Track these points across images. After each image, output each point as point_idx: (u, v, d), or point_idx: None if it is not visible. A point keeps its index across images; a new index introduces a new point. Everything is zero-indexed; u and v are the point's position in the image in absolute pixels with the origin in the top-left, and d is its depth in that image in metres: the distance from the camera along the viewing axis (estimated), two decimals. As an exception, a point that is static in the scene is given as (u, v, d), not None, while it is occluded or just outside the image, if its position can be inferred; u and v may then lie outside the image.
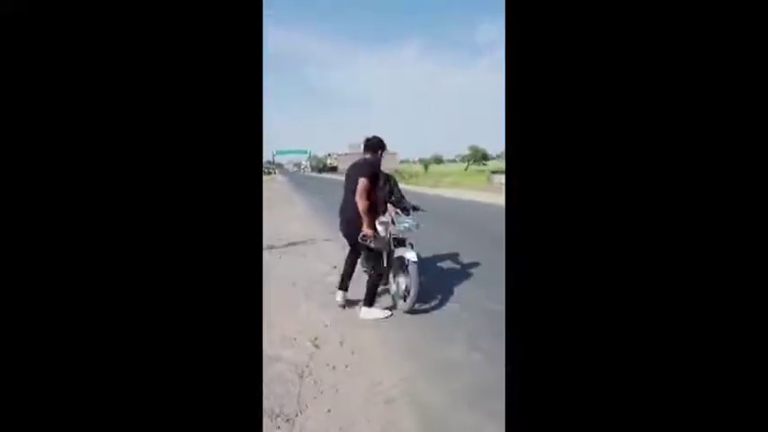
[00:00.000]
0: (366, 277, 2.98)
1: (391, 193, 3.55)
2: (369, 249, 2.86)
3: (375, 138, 2.93)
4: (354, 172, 2.77)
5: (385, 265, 2.95)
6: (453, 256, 4.53)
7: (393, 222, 3.03)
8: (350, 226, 2.80)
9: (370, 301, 2.87)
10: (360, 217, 2.66)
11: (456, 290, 3.38)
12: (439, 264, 4.30)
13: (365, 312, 2.85)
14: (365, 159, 2.87)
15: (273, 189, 20.04)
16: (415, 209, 3.21)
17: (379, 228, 3.33)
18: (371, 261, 3.34)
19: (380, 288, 3.01)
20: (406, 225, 2.99)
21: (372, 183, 2.71)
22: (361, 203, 2.61)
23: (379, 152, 2.92)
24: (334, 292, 3.32)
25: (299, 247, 5.39)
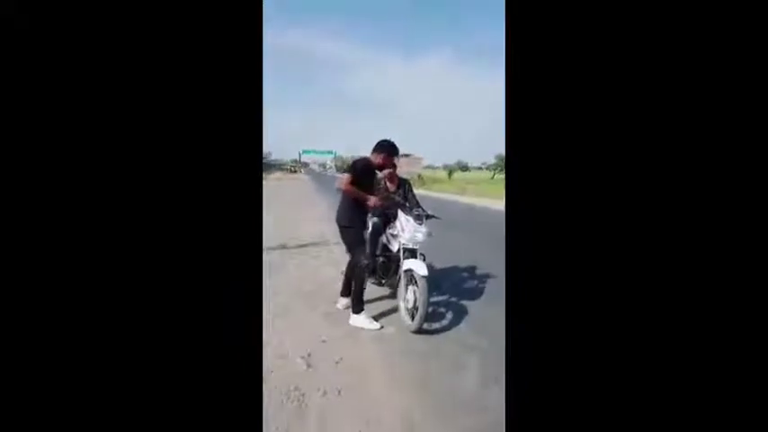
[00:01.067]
0: (376, 289, 2.75)
1: (405, 198, 3.31)
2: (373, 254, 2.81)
3: (383, 141, 2.89)
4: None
5: (379, 274, 2.80)
6: (470, 270, 4.22)
7: (404, 231, 2.78)
8: (340, 216, 2.81)
9: (357, 306, 2.73)
10: (348, 207, 2.74)
11: (470, 308, 3.08)
12: (453, 278, 4.00)
13: (353, 320, 2.73)
14: (360, 158, 2.88)
15: (296, 188, 20.12)
16: (428, 217, 2.95)
17: (391, 238, 3.09)
18: (380, 270, 3.10)
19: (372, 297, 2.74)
20: (418, 235, 2.73)
21: (355, 177, 2.73)
22: (344, 188, 2.71)
23: (382, 154, 2.84)
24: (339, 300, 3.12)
25: (311, 249, 5.22)
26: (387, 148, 2.84)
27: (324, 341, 2.46)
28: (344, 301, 3.02)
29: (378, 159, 2.83)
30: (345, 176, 2.75)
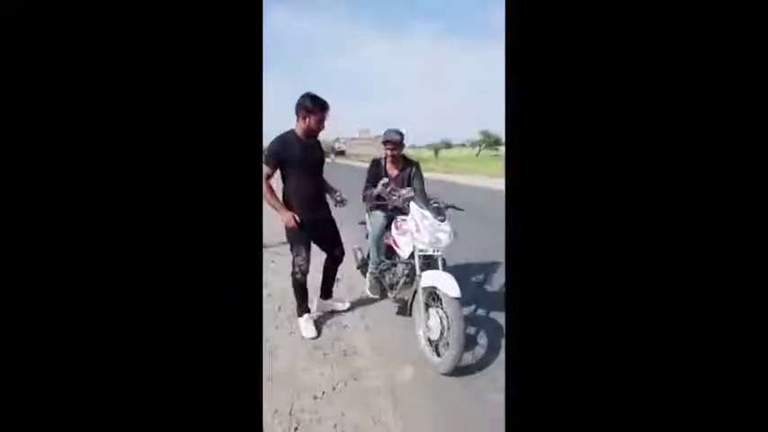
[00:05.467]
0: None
1: (414, 186, 2.54)
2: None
3: (302, 96, 2.10)
4: None
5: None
6: (492, 267, 3.52)
7: (419, 231, 2.02)
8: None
9: (297, 308, 2.37)
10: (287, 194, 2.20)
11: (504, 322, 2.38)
12: (472, 279, 3.28)
13: (299, 321, 2.37)
14: (279, 137, 2.18)
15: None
16: (448, 208, 2.19)
17: (401, 239, 2.33)
18: (386, 281, 2.37)
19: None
20: (442, 236, 1.97)
21: (276, 165, 2.13)
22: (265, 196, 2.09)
23: (307, 117, 2.09)
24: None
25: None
26: (308, 106, 2.08)
27: (316, 397, 1.72)
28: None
29: (305, 124, 2.11)
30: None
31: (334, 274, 2.57)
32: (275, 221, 2.64)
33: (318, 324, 2.40)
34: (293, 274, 2.31)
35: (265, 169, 2.10)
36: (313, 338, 2.25)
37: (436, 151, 45.05)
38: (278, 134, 2.19)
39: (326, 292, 2.59)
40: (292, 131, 2.15)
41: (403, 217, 2.28)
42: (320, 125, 2.15)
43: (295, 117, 2.14)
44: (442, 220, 1.97)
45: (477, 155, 40.19)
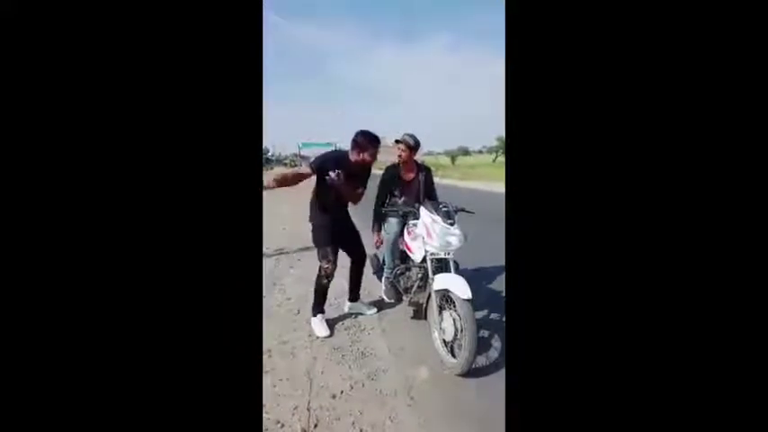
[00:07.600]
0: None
1: (426, 191, 2.62)
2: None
3: (358, 134, 2.25)
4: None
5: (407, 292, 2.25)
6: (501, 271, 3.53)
7: (430, 235, 2.08)
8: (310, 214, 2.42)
9: (313, 309, 2.48)
10: (312, 202, 2.39)
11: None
12: (484, 282, 3.31)
13: (312, 322, 2.48)
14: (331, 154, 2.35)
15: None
16: (458, 211, 2.24)
17: (413, 243, 2.40)
18: (401, 285, 2.43)
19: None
20: (452, 240, 2.03)
21: (314, 171, 2.21)
22: (349, 198, 2.29)
23: (358, 151, 2.22)
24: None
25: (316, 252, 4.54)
26: (360, 141, 2.22)
27: (334, 396, 1.79)
28: (347, 305, 2.72)
29: (359, 157, 2.23)
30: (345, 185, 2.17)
31: (361, 276, 2.63)
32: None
33: (336, 326, 2.48)
34: (319, 277, 2.40)
35: (308, 170, 2.19)
36: (326, 337, 2.34)
37: (453, 158, 44.96)
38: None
39: (354, 295, 2.68)
40: (347, 154, 2.27)
41: (414, 222, 2.35)
42: (373, 158, 2.28)
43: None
44: (452, 224, 2.03)
45: (493, 161, 39.90)
